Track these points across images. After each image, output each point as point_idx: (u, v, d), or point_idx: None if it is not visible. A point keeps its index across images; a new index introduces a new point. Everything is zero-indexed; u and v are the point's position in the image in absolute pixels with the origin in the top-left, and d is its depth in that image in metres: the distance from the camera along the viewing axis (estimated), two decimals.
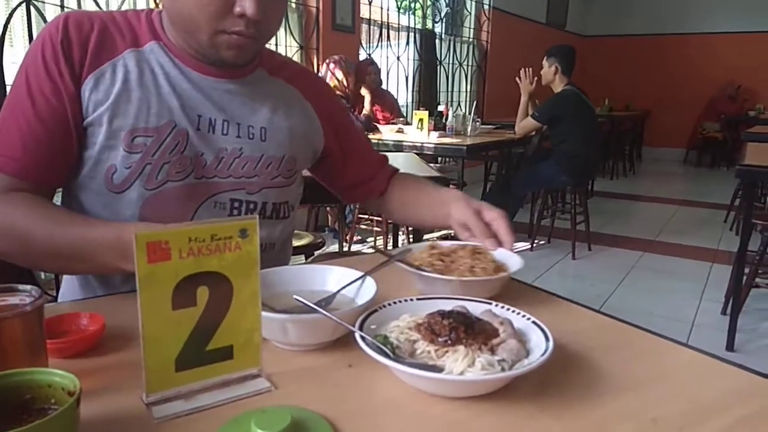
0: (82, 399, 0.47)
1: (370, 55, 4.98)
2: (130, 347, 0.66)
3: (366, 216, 4.03)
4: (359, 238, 4.17)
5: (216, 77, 0.93)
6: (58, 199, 0.93)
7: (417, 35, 5.77)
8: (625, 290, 3.34)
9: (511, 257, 0.86)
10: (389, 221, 3.63)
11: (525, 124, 4.00)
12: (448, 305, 0.66)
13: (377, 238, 4.01)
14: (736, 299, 2.59)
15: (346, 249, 3.54)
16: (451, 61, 6.42)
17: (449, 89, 6.48)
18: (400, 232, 3.45)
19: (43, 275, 2.33)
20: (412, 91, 5.84)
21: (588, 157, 3.91)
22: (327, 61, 3.99)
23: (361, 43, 4.95)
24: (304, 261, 2.35)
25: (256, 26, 0.84)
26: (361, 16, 4.89)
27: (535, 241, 4.17)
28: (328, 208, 4.08)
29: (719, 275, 3.53)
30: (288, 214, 1.03)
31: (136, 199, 0.87)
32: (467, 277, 0.78)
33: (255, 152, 0.95)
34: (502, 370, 0.54)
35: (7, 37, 2.06)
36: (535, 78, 4.09)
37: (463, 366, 0.54)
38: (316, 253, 2.46)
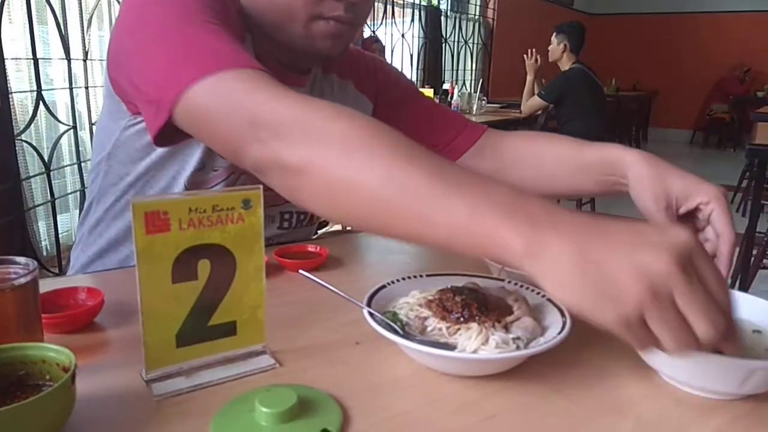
0: (78, 375, 0.45)
1: (374, 32, 4.90)
2: (130, 323, 0.64)
3: None
4: None
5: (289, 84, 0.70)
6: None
7: (422, 12, 5.67)
8: None
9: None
10: None
11: (531, 103, 3.94)
12: (458, 282, 0.64)
13: None
14: (744, 281, 2.57)
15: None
16: (456, 39, 6.32)
17: (454, 67, 6.39)
18: None
19: (45, 251, 2.32)
20: (417, 68, 5.76)
21: (594, 138, 3.84)
22: None
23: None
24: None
25: (354, 9, 0.76)
26: None
27: None
28: None
29: None
30: (320, 217, 1.00)
31: None
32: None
33: None
34: (517, 348, 0.52)
35: (5, 12, 2.02)
36: (538, 56, 4.02)
37: (477, 344, 0.51)
38: (320, 231, 2.44)
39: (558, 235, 0.42)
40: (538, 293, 0.62)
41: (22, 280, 0.52)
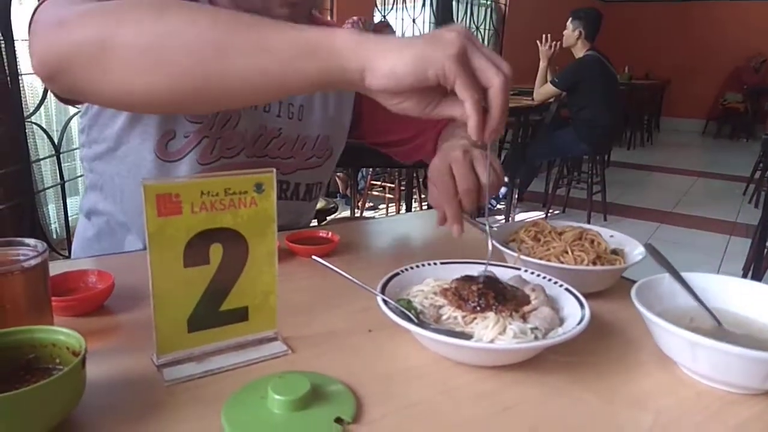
0: (88, 360, 0.44)
1: (385, 17, 4.85)
2: (141, 307, 0.63)
3: (378, 182, 3.98)
4: (371, 204, 4.13)
5: None
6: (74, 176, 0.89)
7: None
8: (642, 262, 3.28)
9: (633, 247, 0.74)
10: (402, 188, 3.58)
11: (544, 90, 3.88)
12: (474, 270, 0.62)
13: (389, 204, 3.96)
14: (756, 272, 2.54)
15: (358, 215, 3.50)
16: (467, 25, 6.24)
17: None
18: (413, 200, 3.40)
19: (55, 234, 2.32)
20: None
21: (608, 126, 3.81)
22: (348, 21, 3.88)
23: (376, 5, 4.81)
24: (317, 225, 2.32)
25: None
26: None
27: (550, 211, 4.11)
28: (338, 175, 4.03)
29: (737, 248, 3.46)
30: (318, 194, 0.99)
31: (185, 171, 0.82)
32: (547, 261, 0.67)
33: (292, 133, 0.91)
34: (535, 338, 0.51)
35: None
36: (555, 43, 3.95)
37: (494, 333, 0.50)
38: (329, 218, 2.43)
39: (380, 36, 0.51)
40: (556, 282, 0.61)
41: (32, 262, 0.51)
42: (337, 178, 4.14)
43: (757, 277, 2.55)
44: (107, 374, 0.51)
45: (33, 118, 2.11)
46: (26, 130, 2.06)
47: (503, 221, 3.58)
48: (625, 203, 4.53)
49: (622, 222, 4.04)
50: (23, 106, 2.03)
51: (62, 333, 0.47)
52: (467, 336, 0.51)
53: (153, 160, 0.81)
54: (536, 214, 4.02)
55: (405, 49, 0.50)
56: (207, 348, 0.53)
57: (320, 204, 2.39)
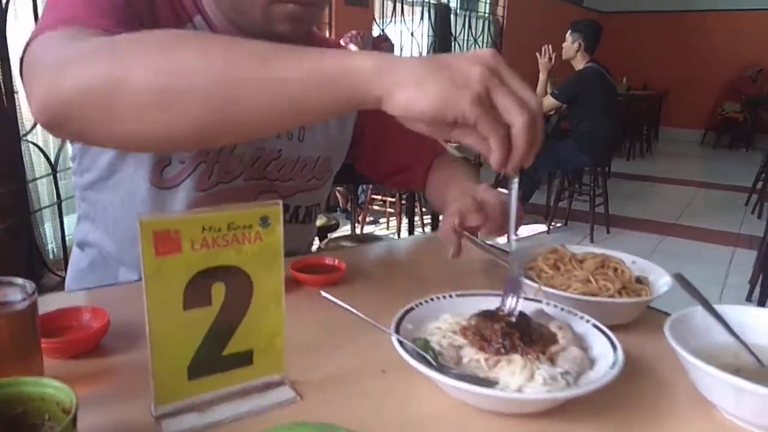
0: (81, 409, 0.40)
1: (383, 30, 4.84)
2: (138, 346, 0.59)
3: (379, 197, 3.94)
4: (371, 219, 4.09)
5: None
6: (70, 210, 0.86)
7: (431, 10, 5.61)
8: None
9: (658, 275, 0.70)
10: (402, 202, 3.55)
11: (544, 102, 3.86)
12: (492, 302, 0.58)
13: (390, 219, 3.93)
14: (765, 285, 2.50)
15: (358, 231, 3.46)
16: (466, 37, 6.25)
17: None
18: (415, 216, 3.37)
19: (51, 254, 2.28)
20: None
21: (608, 138, 3.79)
22: (347, 36, 3.87)
23: (374, 18, 4.81)
24: (318, 242, 2.28)
25: None
26: None
27: (552, 224, 4.07)
28: (339, 189, 4.00)
29: (742, 260, 3.42)
30: (317, 215, 0.95)
31: (182, 199, 0.79)
32: (573, 294, 0.63)
33: (292, 154, 0.88)
34: (567, 384, 0.47)
35: (11, 9, 1.98)
36: (555, 55, 3.94)
37: (521, 380, 0.46)
38: (330, 235, 2.39)
39: (400, 58, 0.49)
40: (582, 317, 0.57)
41: (20, 306, 0.47)
42: (337, 193, 4.11)
43: (765, 290, 2.51)
44: (101, 426, 0.47)
45: (29, 137, 2.07)
46: (22, 149, 2.02)
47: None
48: (628, 215, 4.50)
49: (626, 235, 4.00)
50: (19, 124, 2.00)
51: (51, 386, 0.43)
52: (491, 382, 0.47)
53: (147, 189, 0.78)
54: (538, 228, 3.99)
55: (425, 82, 0.46)
56: (209, 396, 0.49)
57: (321, 221, 2.35)
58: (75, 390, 0.42)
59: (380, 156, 1.01)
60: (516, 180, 0.52)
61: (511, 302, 0.54)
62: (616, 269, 0.68)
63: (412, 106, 0.47)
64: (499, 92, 0.47)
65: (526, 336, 0.50)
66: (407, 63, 0.48)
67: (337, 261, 0.81)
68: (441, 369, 0.49)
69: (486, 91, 0.46)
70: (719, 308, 0.59)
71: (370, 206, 3.92)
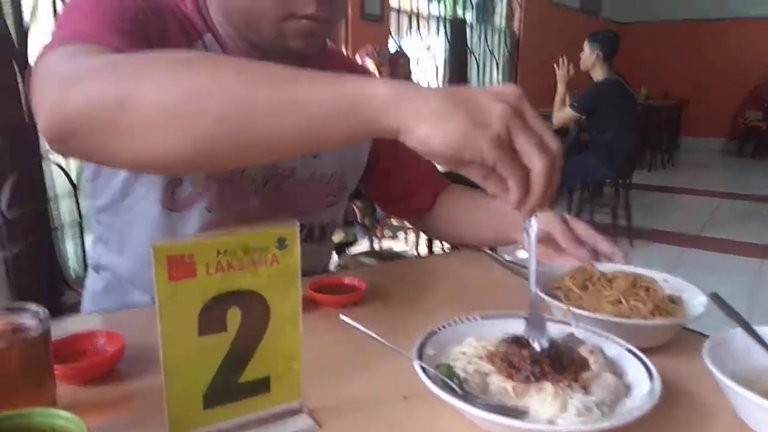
0: None
1: (400, 46, 4.86)
2: (154, 371, 0.57)
3: None
4: (390, 234, 4.07)
5: None
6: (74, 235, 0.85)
7: (447, 24, 5.62)
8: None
9: (691, 294, 0.67)
10: None
11: (563, 114, 3.82)
12: (518, 324, 0.56)
13: (408, 233, 3.90)
14: None
15: (377, 247, 3.45)
16: (482, 50, 6.25)
17: (480, 79, 6.31)
18: None
19: (73, 274, 2.29)
20: (443, 81, 5.70)
21: (628, 150, 3.73)
22: (363, 50, 3.88)
23: (390, 33, 4.83)
24: (336, 258, 2.26)
25: (328, 7, 0.72)
26: (390, 5, 4.76)
27: None
28: (356, 203, 3.99)
29: None
30: (333, 233, 0.94)
31: (195, 221, 0.77)
32: (605, 316, 0.59)
33: (306, 172, 0.86)
34: (602, 415, 0.44)
35: (33, 26, 2.01)
36: (572, 65, 3.91)
37: (553, 410, 0.44)
38: (349, 250, 2.37)
39: (421, 87, 0.47)
40: (613, 341, 0.54)
41: (33, 333, 0.46)
42: (354, 207, 4.10)
43: None
44: None
45: (50, 156, 2.10)
46: (43, 168, 2.05)
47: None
48: (650, 227, 4.42)
49: (649, 247, 3.92)
50: (41, 143, 2.02)
51: (62, 417, 0.42)
52: (521, 412, 0.45)
53: (159, 211, 0.76)
54: None
55: (444, 118, 0.45)
56: (225, 425, 0.48)
57: (338, 236, 2.34)
58: (87, 419, 0.41)
59: (390, 179, 1.00)
60: (534, 222, 0.50)
61: (537, 343, 0.51)
62: (648, 289, 0.65)
63: (430, 142, 0.45)
64: (521, 135, 0.45)
65: (558, 363, 0.47)
66: (428, 95, 0.46)
67: (357, 281, 0.79)
68: (467, 397, 0.46)
69: (507, 132, 0.45)
70: (759, 329, 0.55)
71: (388, 220, 3.91)
